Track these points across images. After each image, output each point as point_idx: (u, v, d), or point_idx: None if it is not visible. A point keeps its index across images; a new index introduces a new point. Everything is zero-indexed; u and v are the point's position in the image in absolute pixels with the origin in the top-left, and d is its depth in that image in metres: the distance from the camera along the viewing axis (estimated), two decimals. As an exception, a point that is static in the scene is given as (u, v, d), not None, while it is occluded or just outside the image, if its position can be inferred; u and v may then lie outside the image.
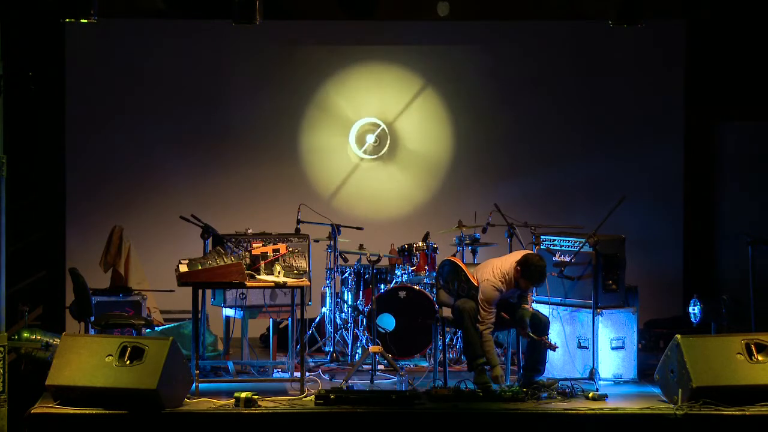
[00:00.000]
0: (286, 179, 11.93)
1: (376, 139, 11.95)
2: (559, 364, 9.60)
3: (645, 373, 9.53)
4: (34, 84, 10.95)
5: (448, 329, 9.47)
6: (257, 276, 9.15)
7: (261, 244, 9.35)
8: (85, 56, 11.70)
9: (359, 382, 9.45)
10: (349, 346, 10.31)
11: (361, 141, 11.99)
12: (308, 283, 9.24)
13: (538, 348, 9.07)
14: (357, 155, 11.97)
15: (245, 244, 9.46)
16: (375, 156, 11.98)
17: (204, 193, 11.76)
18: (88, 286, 9.73)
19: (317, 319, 10.71)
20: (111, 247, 10.89)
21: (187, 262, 9.07)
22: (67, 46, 11.57)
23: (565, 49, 12.03)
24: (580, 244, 9.54)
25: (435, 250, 10.64)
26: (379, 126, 11.96)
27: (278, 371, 9.80)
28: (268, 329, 10.49)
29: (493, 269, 9.09)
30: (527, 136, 12.09)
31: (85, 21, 9.85)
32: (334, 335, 10.47)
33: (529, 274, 8.94)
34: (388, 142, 11.98)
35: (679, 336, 8.61)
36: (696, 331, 9.93)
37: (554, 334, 9.64)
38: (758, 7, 11.24)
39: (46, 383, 8.36)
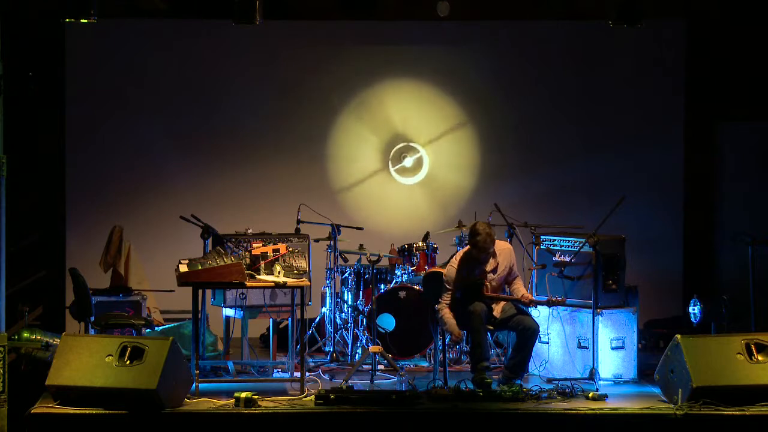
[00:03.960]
0: (287, 179, 11.93)
1: (403, 156, 11.99)
2: (559, 364, 9.60)
3: (645, 373, 9.53)
4: (34, 84, 10.96)
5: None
6: (257, 276, 9.14)
7: (261, 244, 9.35)
8: (85, 56, 11.70)
9: (359, 382, 9.46)
10: (349, 346, 10.31)
11: (396, 161, 12.04)
12: (308, 283, 9.24)
13: (525, 351, 9.14)
14: (397, 179, 12.05)
15: (245, 244, 9.46)
16: (412, 179, 12.03)
17: (204, 193, 11.76)
18: (88, 286, 9.73)
19: (317, 319, 10.71)
20: (111, 247, 10.89)
21: (187, 262, 9.07)
22: (67, 46, 11.58)
23: (565, 49, 12.03)
24: (580, 244, 9.53)
25: (435, 250, 10.64)
26: (416, 150, 12.02)
27: (278, 371, 9.80)
28: (268, 329, 10.50)
29: (458, 254, 9.42)
30: (527, 136, 12.10)
31: (85, 21, 9.86)
32: (334, 335, 10.47)
33: (471, 237, 9.14)
34: (425, 163, 12.02)
35: (679, 336, 8.61)
36: (696, 331, 9.93)
37: (554, 334, 9.66)
38: (758, 7, 11.24)
39: (46, 383, 8.35)
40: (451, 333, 9.14)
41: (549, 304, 9.22)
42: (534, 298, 9.27)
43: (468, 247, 9.35)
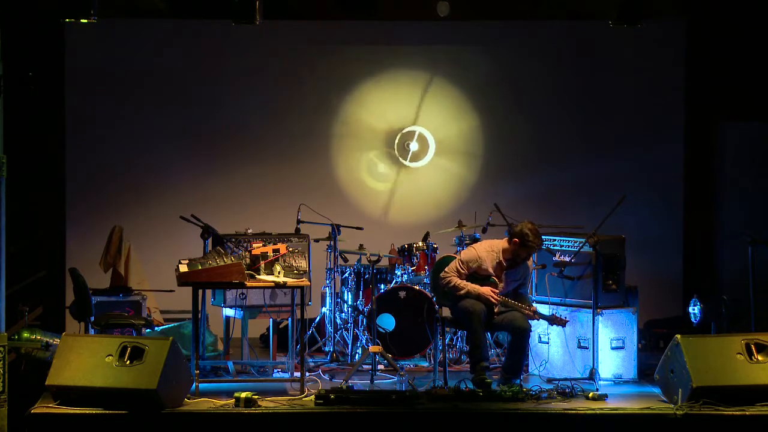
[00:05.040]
0: (287, 179, 11.93)
1: (407, 145, 11.98)
2: (559, 364, 9.60)
3: (645, 373, 9.53)
4: (34, 84, 10.96)
5: (448, 329, 9.49)
6: (257, 276, 9.14)
7: (261, 244, 9.35)
8: (85, 56, 11.70)
9: (359, 382, 9.46)
10: (349, 346, 10.31)
11: (401, 149, 12.04)
12: (308, 283, 9.24)
13: (519, 351, 9.13)
14: (403, 163, 12.05)
15: (245, 244, 9.46)
16: (423, 161, 12.02)
17: (204, 193, 11.76)
18: (88, 286, 9.73)
19: (317, 319, 10.71)
20: (111, 247, 10.89)
21: (187, 262, 9.07)
22: (67, 46, 11.58)
23: (566, 49, 12.03)
24: (580, 244, 9.53)
25: (435, 250, 10.64)
26: (415, 132, 12.02)
27: (278, 371, 9.80)
28: (268, 329, 10.50)
29: (485, 242, 9.43)
30: (527, 136, 12.10)
31: (85, 21, 9.85)
32: (334, 335, 10.47)
33: (525, 238, 9.09)
34: (431, 142, 12.02)
35: (679, 336, 8.61)
36: (696, 331, 9.92)
37: (554, 335, 9.66)
38: (758, 7, 11.24)
39: (46, 383, 8.35)
40: (478, 292, 9.08)
41: (551, 321, 9.18)
42: (538, 311, 9.24)
43: (499, 241, 9.33)
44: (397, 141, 12.04)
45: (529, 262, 9.40)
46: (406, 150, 12.03)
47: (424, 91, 12.09)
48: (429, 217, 11.86)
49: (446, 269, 9.29)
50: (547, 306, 9.61)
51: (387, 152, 12.10)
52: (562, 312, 9.59)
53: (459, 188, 12.09)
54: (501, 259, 9.25)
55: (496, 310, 9.18)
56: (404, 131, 12.04)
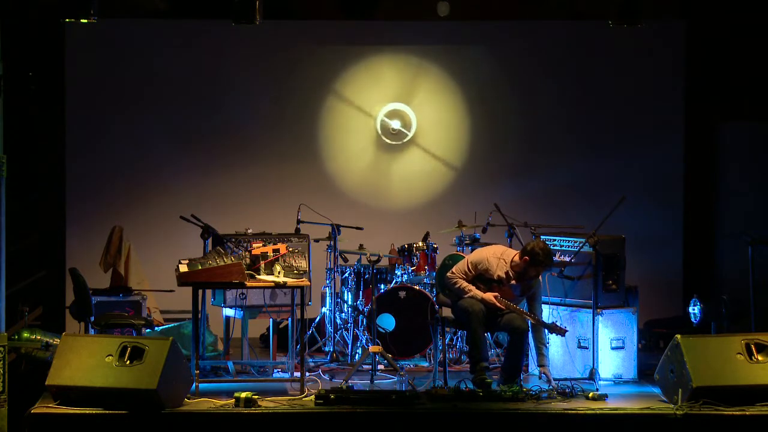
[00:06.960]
0: (286, 179, 11.93)
1: (392, 131, 11.96)
2: (559, 364, 9.60)
3: (645, 373, 9.53)
4: (34, 84, 10.97)
5: (448, 329, 9.49)
6: (257, 276, 9.14)
7: (261, 244, 9.34)
8: (85, 56, 11.70)
9: (359, 382, 9.45)
10: (349, 346, 10.31)
11: (389, 134, 12.03)
12: (308, 283, 9.24)
13: (518, 351, 9.10)
14: (384, 140, 12.04)
15: (245, 244, 9.46)
16: (409, 133, 12.00)
17: (204, 193, 11.76)
18: (88, 286, 9.73)
19: (317, 319, 10.71)
20: (111, 247, 10.89)
21: (187, 262, 9.07)
22: (67, 46, 11.58)
23: (565, 49, 12.03)
24: (580, 244, 9.53)
25: (435, 250, 10.65)
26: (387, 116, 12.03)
27: (278, 371, 9.80)
28: (268, 329, 10.50)
29: (497, 248, 9.34)
30: (527, 136, 12.10)
31: (85, 21, 9.86)
32: (334, 335, 10.47)
33: (536, 257, 9.00)
34: (410, 115, 12.01)
35: (679, 336, 8.60)
36: (696, 331, 9.93)
37: (554, 335, 9.64)
38: (758, 7, 11.24)
39: (46, 383, 8.35)
40: (482, 297, 9.06)
41: (551, 329, 9.16)
42: (539, 318, 9.24)
43: (512, 251, 9.28)
44: (380, 131, 12.02)
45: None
46: (393, 132, 12.01)
47: (423, 91, 12.09)
48: (429, 217, 11.85)
49: (453, 269, 9.29)
50: (547, 306, 9.60)
51: (387, 150, 12.09)
52: (562, 312, 9.61)
53: (459, 188, 12.09)
54: (509, 269, 9.22)
55: (500, 312, 9.17)
56: (381, 121, 12.01)
